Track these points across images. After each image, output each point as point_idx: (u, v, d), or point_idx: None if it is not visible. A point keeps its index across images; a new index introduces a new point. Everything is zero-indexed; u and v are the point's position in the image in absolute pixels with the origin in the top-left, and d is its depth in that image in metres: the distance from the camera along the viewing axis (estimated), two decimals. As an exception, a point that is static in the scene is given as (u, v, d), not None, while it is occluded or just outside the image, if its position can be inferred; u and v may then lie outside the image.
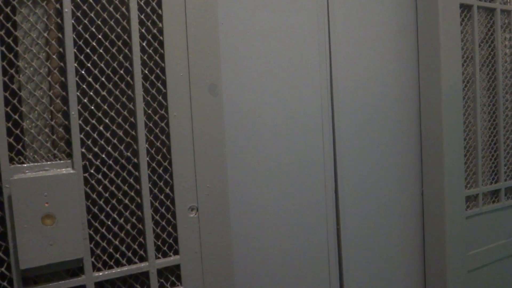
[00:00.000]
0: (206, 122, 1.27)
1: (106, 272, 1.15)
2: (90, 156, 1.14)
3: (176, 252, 1.24)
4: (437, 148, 1.84)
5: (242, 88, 1.49)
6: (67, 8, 1.09)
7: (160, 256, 1.23)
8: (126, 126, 1.18)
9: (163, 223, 1.24)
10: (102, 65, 1.15)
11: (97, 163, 1.15)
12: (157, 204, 1.23)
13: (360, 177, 1.77)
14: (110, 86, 1.16)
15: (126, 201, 1.19)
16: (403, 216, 1.91)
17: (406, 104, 1.89)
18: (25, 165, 1.05)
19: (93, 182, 1.14)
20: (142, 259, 1.21)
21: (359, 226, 1.78)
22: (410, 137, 1.91)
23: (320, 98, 1.65)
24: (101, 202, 1.16)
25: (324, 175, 1.67)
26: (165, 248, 1.24)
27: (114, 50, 1.17)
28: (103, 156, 1.16)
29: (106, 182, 1.16)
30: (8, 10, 1.04)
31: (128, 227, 1.20)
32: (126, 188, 1.19)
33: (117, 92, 1.17)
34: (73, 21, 1.10)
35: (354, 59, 1.75)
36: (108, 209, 1.17)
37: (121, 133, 1.18)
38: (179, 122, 1.23)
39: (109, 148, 1.17)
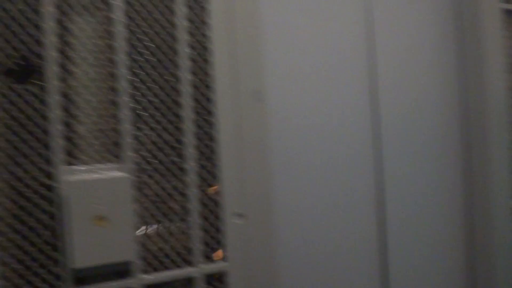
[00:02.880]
0: (251, 128, 1.28)
1: (153, 275, 1.16)
2: (140, 160, 1.16)
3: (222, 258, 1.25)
4: (483, 157, 1.80)
5: (286, 94, 1.50)
6: (119, 16, 1.12)
7: (206, 261, 1.23)
8: (175, 131, 1.20)
9: (211, 229, 1.24)
10: (153, 71, 1.18)
11: (147, 167, 1.17)
12: (205, 209, 1.23)
13: (407, 178, 1.75)
14: (160, 92, 1.19)
15: (175, 206, 1.20)
16: (450, 224, 1.87)
17: (450, 110, 1.86)
18: (80, 167, 1.07)
19: (142, 186, 1.16)
20: (189, 264, 1.22)
21: (406, 229, 1.75)
22: (456, 144, 1.88)
23: (367, 101, 1.65)
24: (150, 206, 1.17)
25: (370, 178, 1.66)
26: (211, 254, 1.24)
27: (163, 57, 1.19)
28: (153, 160, 1.18)
29: (155, 186, 1.18)
30: (65, 18, 1.08)
31: (177, 232, 1.21)
32: (175, 192, 1.20)
33: (166, 98, 1.20)
34: (125, 29, 1.14)
35: (398, 63, 1.73)
36: (157, 212, 1.18)
37: (169, 138, 1.20)
38: (226, 128, 1.24)
39: (159, 153, 1.18)
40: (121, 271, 1.12)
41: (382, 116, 1.69)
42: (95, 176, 1.07)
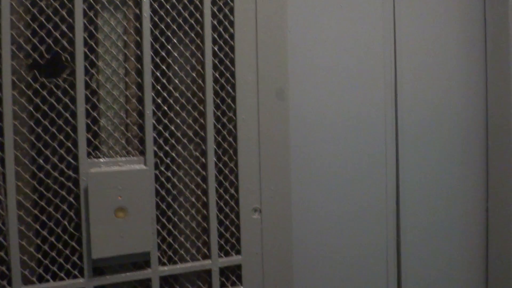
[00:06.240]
0: (272, 126, 1.29)
1: (170, 267, 1.19)
2: (161, 154, 1.19)
3: (238, 252, 1.27)
4: (504, 160, 1.79)
5: (307, 93, 1.51)
6: (146, 13, 1.14)
7: (222, 255, 1.26)
8: (196, 127, 1.22)
9: (227, 222, 1.27)
10: (176, 67, 1.20)
11: (167, 161, 1.20)
12: (221, 203, 1.26)
13: (423, 183, 1.75)
14: (182, 88, 1.21)
15: (193, 199, 1.23)
16: (466, 227, 1.86)
17: (472, 112, 1.85)
18: (101, 160, 1.11)
19: (162, 179, 1.19)
20: (205, 257, 1.24)
21: (420, 231, 1.75)
22: (476, 145, 1.86)
23: (384, 104, 1.65)
24: (169, 199, 1.20)
25: (385, 180, 1.66)
26: (227, 248, 1.27)
27: (187, 54, 1.21)
28: (173, 154, 1.20)
29: (174, 179, 1.21)
30: (91, 14, 1.11)
31: (194, 224, 1.23)
32: (193, 186, 1.23)
33: (188, 94, 1.22)
34: (150, 26, 1.16)
35: (419, 68, 1.73)
36: (175, 206, 1.21)
37: (191, 133, 1.22)
38: (247, 125, 1.26)
39: (179, 147, 1.21)
40: (139, 262, 1.16)
41: (401, 118, 1.69)
42: (116, 168, 1.10)
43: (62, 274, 1.09)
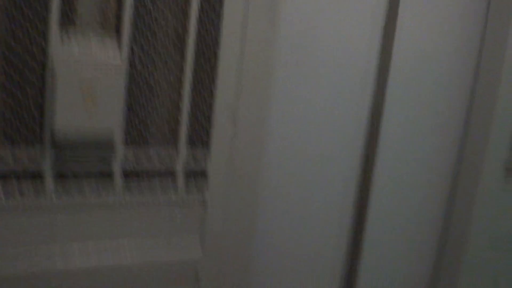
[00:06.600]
0: (257, 46, 1.26)
1: (134, 152, 1.17)
2: (138, 37, 1.15)
3: (206, 155, 1.25)
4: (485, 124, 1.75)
5: (299, 23, 1.48)
6: None
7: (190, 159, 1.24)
8: (177, 25, 1.19)
9: (199, 121, 1.24)
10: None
11: (145, 47, 1.16)
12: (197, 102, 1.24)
13: (401, 128, 1.71)
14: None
15: (167, 90, 1.20)
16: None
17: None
18: (73, 41, 1.07)
19: (138, 65, 1.16)
20: (173, 156, 1.22)
21: (391, 182, 1.72)
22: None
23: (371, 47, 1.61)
24: (143, 87, 1.17)
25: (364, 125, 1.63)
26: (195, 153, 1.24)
27: None
28: (149, 36, 1.16)
29: (150, 69, 1.17)
30: None
31: (165, 113, 1.21)
32: (171, 78, 1.20)
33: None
34: None
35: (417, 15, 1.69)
36: (149, 95, 1.18)
37: (171, 31, 1.19)
38: (230, 38, 1.23)
39: (159, 42, 1.18)
40: (102, 140, 1.12)
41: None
42: (87, 51, 1.07)
43: (20, 139, 1.07)
